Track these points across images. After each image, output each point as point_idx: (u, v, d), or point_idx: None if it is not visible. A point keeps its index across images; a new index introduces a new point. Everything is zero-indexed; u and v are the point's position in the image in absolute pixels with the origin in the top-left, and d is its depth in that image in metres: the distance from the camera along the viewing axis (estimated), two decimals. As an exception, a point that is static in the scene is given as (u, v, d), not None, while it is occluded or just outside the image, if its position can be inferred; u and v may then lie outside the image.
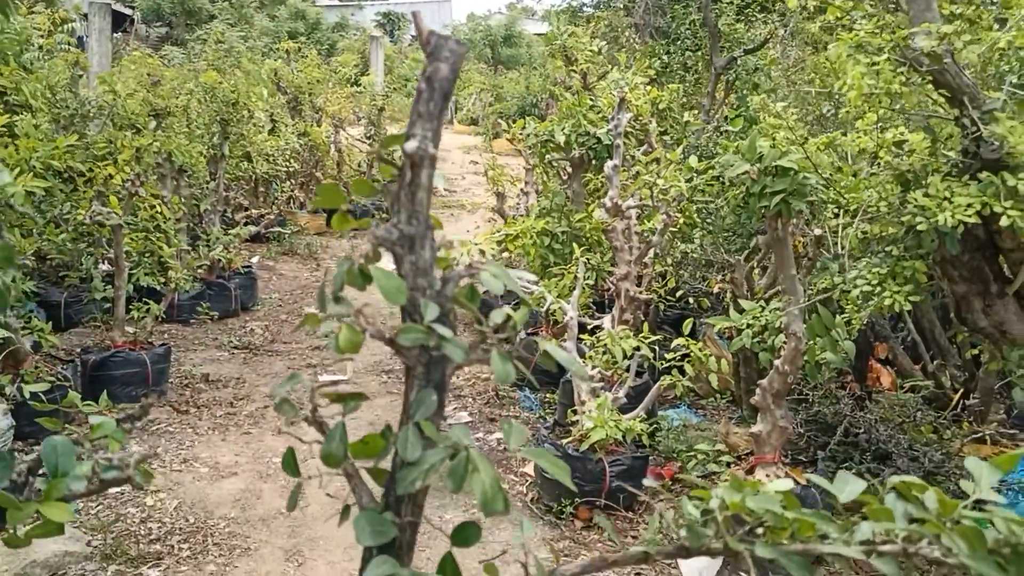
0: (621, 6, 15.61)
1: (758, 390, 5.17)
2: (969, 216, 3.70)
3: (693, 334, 6.11)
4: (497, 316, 1.56)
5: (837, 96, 6.23)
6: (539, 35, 30.69)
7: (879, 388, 5.95)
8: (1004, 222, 3.70)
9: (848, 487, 1.63)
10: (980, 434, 5.62)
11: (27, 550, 4.91)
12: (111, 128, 8.14)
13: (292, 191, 12.68)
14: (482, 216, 14.64)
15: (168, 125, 8.80)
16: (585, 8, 18.74)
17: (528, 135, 7.76)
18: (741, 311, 5.42)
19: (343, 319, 1.46)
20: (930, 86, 4.08)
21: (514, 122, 8.58)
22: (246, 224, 10.37)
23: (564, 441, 5.63)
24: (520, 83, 22.52)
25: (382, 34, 26.81)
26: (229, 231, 9.49)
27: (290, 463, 1.67)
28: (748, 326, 5.20)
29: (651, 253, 6.76)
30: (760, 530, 1.56)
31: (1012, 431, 5.90)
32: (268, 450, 6.38)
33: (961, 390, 5.93)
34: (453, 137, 22.45)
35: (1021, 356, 4.27)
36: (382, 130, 14.23)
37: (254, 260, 10.53)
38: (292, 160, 12.01)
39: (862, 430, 5.41)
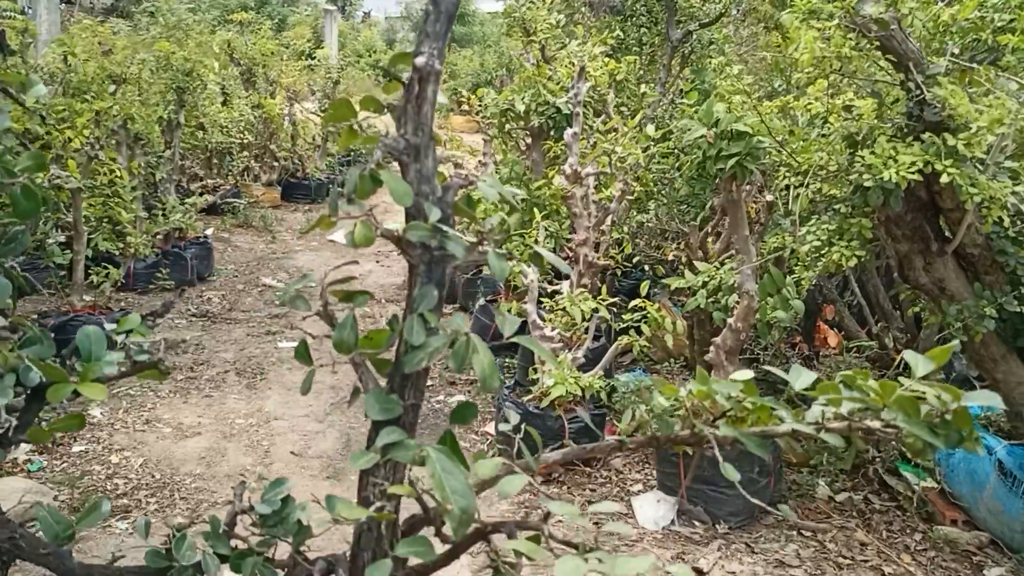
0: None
1: (712, 348, 5.42)
2: (912, 173, 3.96)
3: (648, 298, 6.33)
4: (492, 220, 1.74)
5: (788, 70, 6.49)
6: (492, 13, 30.71)
7: (826, 348, 6.25)
8: (944, 179, 3.97)
9: (802, 377, 1.82)
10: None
11: (-5, 503, 4.96)
12: (62, 95, 8.09)
13: (248, 163, 12.65)
14: (438, 191, 14.74)
15: (123, 92, 8.76)
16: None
17: (487, 105, 7.91)
18: (696, 273, 5.65)
19: (358, 218, 1.61)
20: (878, 52, 4.32)
21: (472, 94, 8.72)
22: (202, 194, 10.36)
23: (525, 399, 5.82)
24: (474, 60, 22.58)
25: (335, 8, 26.59)
26: (185, 200, 9.48)
27: (303, 353, 1.82)
28: (703, 285, 5.44)
29: (608, 220, 6.97)
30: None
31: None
32: (231, 412, 6.47)
33: (903, 351, 6.25)
34: (407, 114, 22.39)
35: (957, 310, 4.56)
36: (337, 104, 14.24)
37: (208, 232, 10.53)
38: (246, 131, 11.99)
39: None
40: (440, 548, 1.67)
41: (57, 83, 8.42)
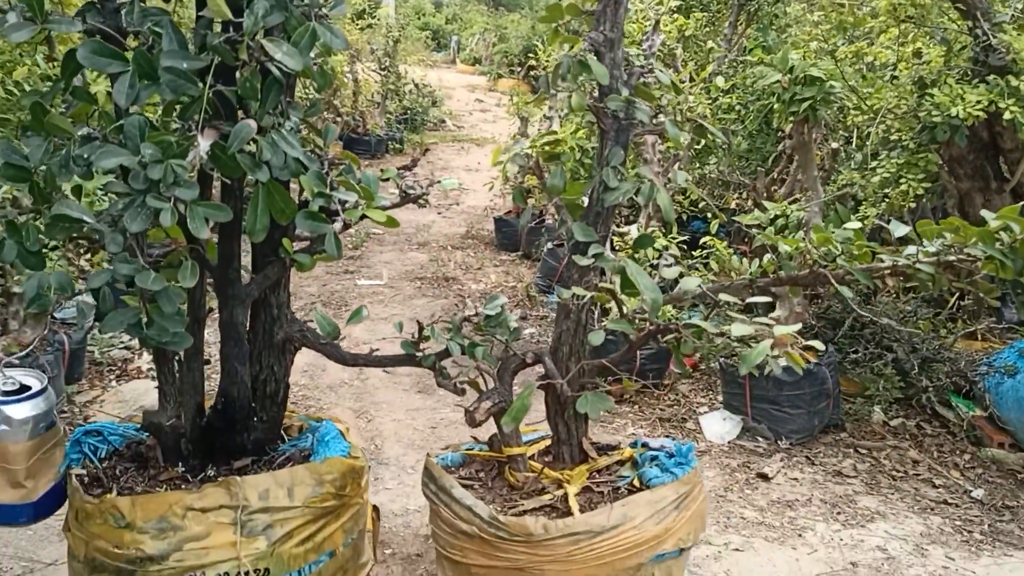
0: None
1: (778, 281, 5.95)
2: (978, 110, 4.45)
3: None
4: (667, 98, 2.30)
5: (851, 29, 6.95)
6: (541, -23, 31.00)
7: (884, 287, 6.75)
8: (1007, 116, 4.46)
9: (900, 228, 2.35)
10: (972, 330, 6.44)
11: (134, 399, 5.66)
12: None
13: (312, 117, 13.23)
14: (492, 150, 15.32)
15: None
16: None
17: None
18: (764, 211, 6.17)
19: (571, 89, 2.18)
20: (947, 2, 4.81)
21: (525, 60, 9.23)
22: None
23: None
24: (523, 24, 22.98)
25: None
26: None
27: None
28: (772, 222, 5.96)
29: (676, 167, 7.49)
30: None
31: (1000, 328, 6.71)
32: (322, 336, 7.11)
33: (957, 293, 6.73)
34: (457, 76, 22.96)
35: (1013, 243, 5.06)
36: (397, 63, 14.82)
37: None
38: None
39: (867, 323, 6.21)
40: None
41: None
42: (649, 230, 7.09)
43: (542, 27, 20.69)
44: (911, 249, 2.28)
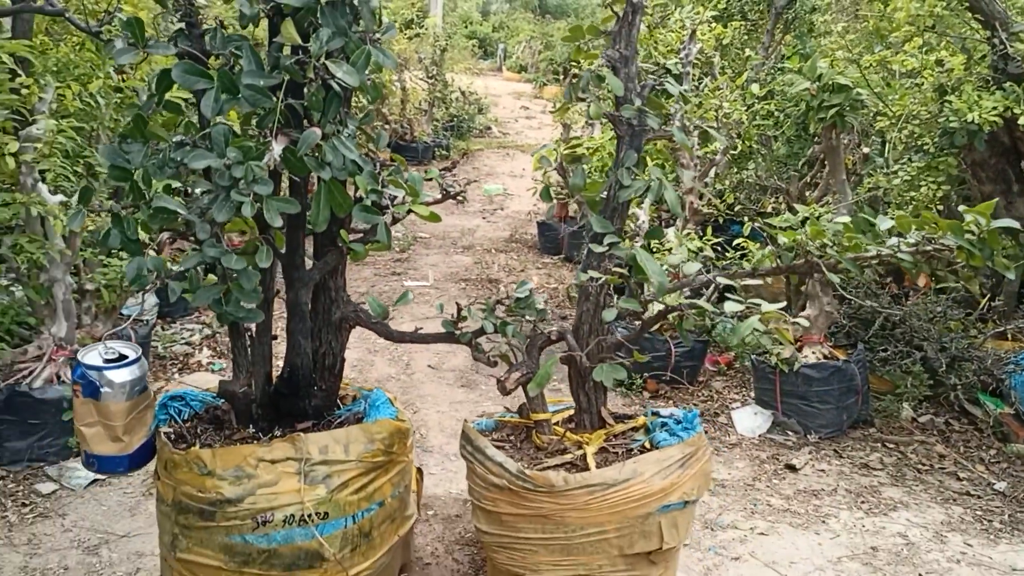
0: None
1: (808, 282, 6.22)
2: (993, 116, 4.70)
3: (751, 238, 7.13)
4: (676, 106, 2.64)
5: (888, 36, 7.20)
6: (587, -15, 31.35)
7: (915, 288, 6.96)
8: (1022, 122, 4.70)
9: (885, 221, 2.65)
10: (1002, 330, 6.64)
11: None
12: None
13: (361, 124, 13.75)
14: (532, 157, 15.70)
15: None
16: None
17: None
18: (796, 213, 6.45)
19: (591, 99, 2.53)
20: (967, 12, 5.06)
21: (569, 67, 9.59)
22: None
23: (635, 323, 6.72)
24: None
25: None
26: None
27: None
28: (803, 223, 6.23)
29: (712, 172, 7.78)
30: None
31: (1031, 328, 6.90)
32: (368, 335, 7.52)
33: (988, 295, 6.93)
34: (503, 84, 23.45)
35: (1034, 245, 5.28)
36: (444, 71, 15.31)
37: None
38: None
39: (898, 322, 6.44)
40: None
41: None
42: (684, 232, 7.39)
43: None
44: (893, 240, 2.57)
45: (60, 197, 5.08)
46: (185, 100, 2.87)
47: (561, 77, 20.34)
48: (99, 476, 4.52)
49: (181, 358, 6.84)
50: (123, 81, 6.33)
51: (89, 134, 5.76)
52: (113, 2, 6.22)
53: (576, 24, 2.50)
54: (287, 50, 2.32)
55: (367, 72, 2.33)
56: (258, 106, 2.24)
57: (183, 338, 7.19)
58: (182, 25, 2.47)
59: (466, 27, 25.31)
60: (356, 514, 2.54)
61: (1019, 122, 4.73)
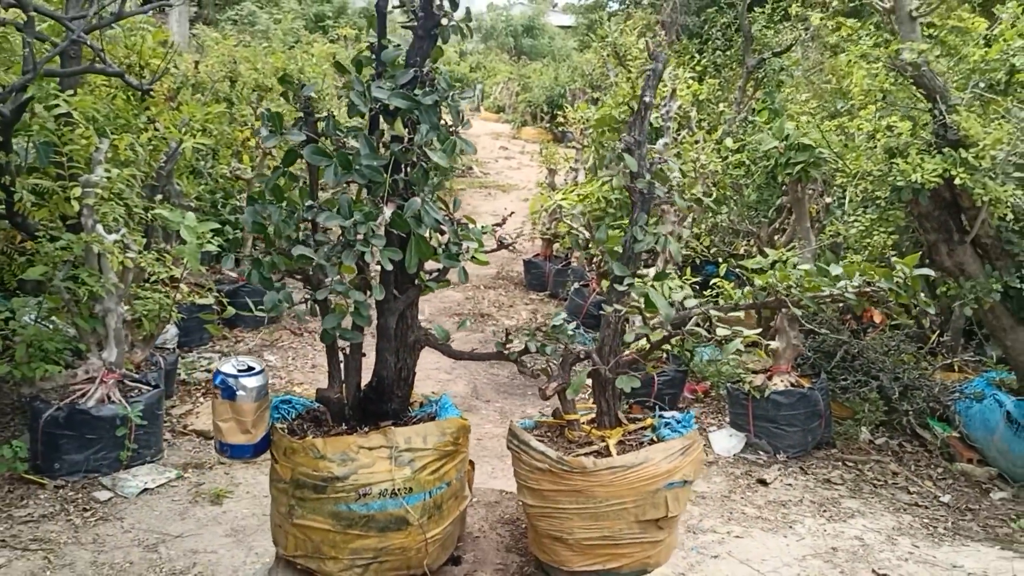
0: (648, 3, 17.51)
1: (777, 318, 7.14)
2: (935, 177, 5.66)
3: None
4: (675, 176, 3.53)
5: (848, 94, 8.24)
6: (562, 27, 32.63)
7: (872, 324, 7.93)
8: (958, 182, 5.67)
9: (837, 269, 3.54)
10: (950, 362, 7.61)
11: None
12: (208, 98, 10.06)
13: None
14: (517, 196, 16.61)
15: (268, 98, 10.73)
16: (611, 4, 20.71)
17: (586, 118, 9.74)
18: (765, 256, 7.38)
19: (616, 170, 3.41)
20: (913, 86, 6.05)
21: (551, 110, 10.53)
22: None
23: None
24: (545, 74, 24.53)
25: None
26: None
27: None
28: (772, 266, 7.16)
29: (690, 218, 8.73)
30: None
31: (975, 360, 7.88)
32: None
33: (938, 331, 7.92)
34: (480, 124, 24.49)
35: (971, 286, 6.25)
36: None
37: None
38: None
39: (857, 355, 7.39)
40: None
41: (209, 89, 10.43)
42: (666, 272, 8.30)
43: (564, 78, 22.22)
44: (842, 283, 3.46)
45: (115, 236, 5.88)
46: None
47: (543, 119, 21.50)
48: (226, 459, 5.41)
49: (204, 384, 7.58)
50: (155, 132, 7.17)
51: (127, 180, 6.51)
52: (163, 64, 7.07)
53: (606, 113, 3.39)
54: (387, 136, 3.18)
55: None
56: (370, 180, 3.10)
57: (202, 366, 7.95)
58: (301, 114, 3.33)
59: (445, 67, 26.31)
60: (431, 490, 3.37)
61: (955, 182, 5.70)
